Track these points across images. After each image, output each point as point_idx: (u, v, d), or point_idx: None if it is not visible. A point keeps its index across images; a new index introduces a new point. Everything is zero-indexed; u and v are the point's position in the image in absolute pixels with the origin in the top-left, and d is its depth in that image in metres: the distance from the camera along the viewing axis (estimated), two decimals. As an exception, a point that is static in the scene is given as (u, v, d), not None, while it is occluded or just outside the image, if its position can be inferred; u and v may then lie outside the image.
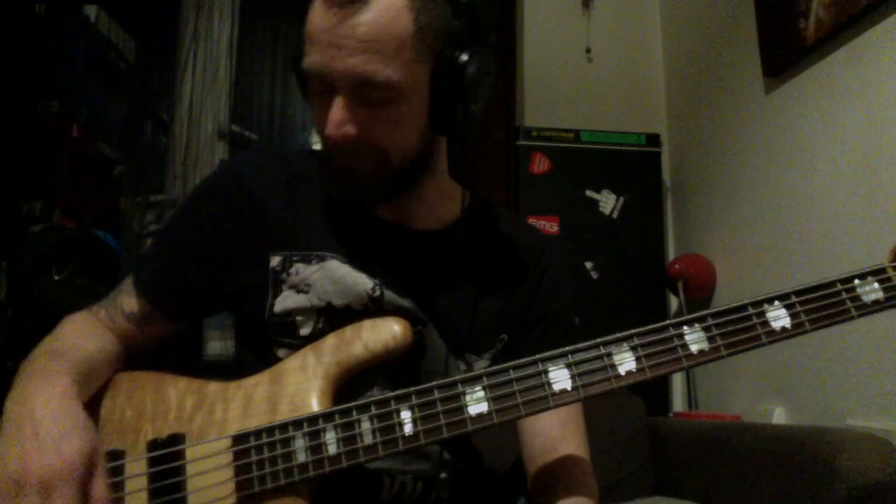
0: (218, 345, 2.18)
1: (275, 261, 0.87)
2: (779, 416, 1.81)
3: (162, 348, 0.96)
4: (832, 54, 1.69)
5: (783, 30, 1.83)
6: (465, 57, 0.79)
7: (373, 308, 0.85)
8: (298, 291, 0.86)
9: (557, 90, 2.57)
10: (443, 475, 0.90)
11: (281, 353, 0.87)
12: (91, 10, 2.37)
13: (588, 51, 2.59)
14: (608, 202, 2.28)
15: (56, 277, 1.91)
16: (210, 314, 0.97)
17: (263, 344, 0.88)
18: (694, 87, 2.44)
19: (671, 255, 2.42)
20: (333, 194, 0.87)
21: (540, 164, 2.27)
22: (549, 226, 2.22)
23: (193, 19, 2.56)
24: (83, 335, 0.86)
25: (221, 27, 2.60)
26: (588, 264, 2.23)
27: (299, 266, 0.87)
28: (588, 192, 2.28)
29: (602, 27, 2.63)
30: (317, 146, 0.92)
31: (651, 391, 2.08)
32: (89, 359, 0.81)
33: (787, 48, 1.83)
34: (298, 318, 0.86)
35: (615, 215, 2.28)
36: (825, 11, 1.67)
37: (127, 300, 0.91)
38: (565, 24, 2.62)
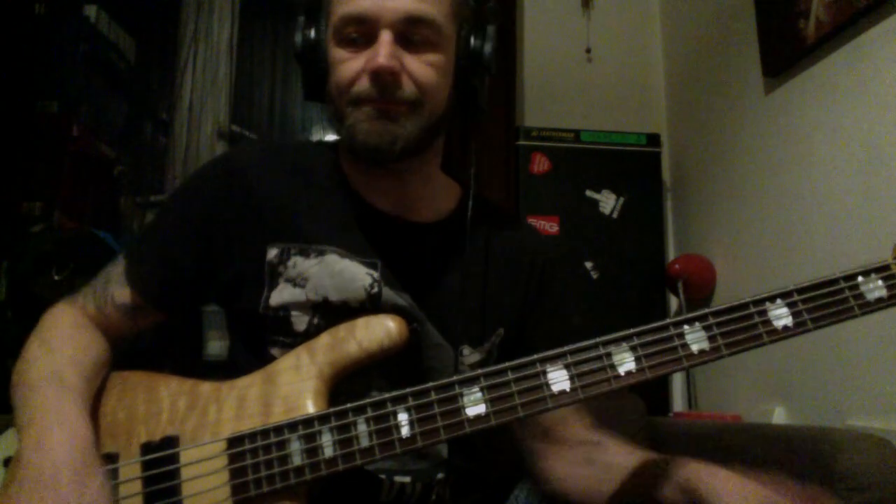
0: (218, 345, 2.17)
1: (272, 253, 0.86)
2: (779, 416, 1.80)
3: (162, 348, 0.95)
4: (832, 54, 1.69)
5: (783, 30, 1.83)
6: (486, 32, 0.87)
7: (369, 305, 0.85)
8: (295, 285, 0.85)
9: (557, 90, 2.56)
10: (440, 475, 0.89)
11: (275, 351, 0.86)
12: (91, 10, 2.37)
13: (588, 51, 2.59)
14: (608, 202, 2.27)
15: (56, 277, 1.91)
16: (204, 304, 0.96)
17: (258, 341, 0.87)
18: (694, 87, 2.43)
19: (671, 255, 2.41)
20: (361, 144, 0.83)
21: (540, 164, 2.26)
22: (549, 226, 2.21)
23: (193, 19, 2.56)
24: (77, 344, 0.83)
25: (221, 27, 2.59)
26: (588, 264, 2.22)
27: (297, 259, 0.86)
28: (588, 192, 2.27)
29: (602, 27, 2.62)
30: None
31: (651, 391, 2.07)
32: (90, 375, 0.79)
33: (787, 48, 1.82)
34: (294, 313, 0.85)
35: (615, 215, 2.27)
36: (825, 11, 1.67)
37: (118, 291, 0.88)
38: (565, 24, 2.61)
